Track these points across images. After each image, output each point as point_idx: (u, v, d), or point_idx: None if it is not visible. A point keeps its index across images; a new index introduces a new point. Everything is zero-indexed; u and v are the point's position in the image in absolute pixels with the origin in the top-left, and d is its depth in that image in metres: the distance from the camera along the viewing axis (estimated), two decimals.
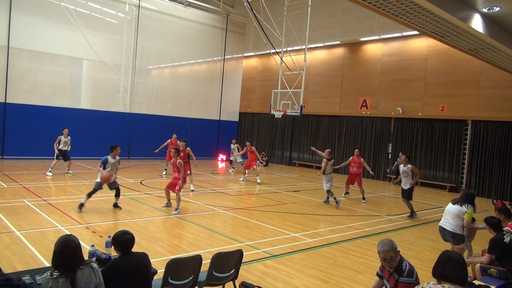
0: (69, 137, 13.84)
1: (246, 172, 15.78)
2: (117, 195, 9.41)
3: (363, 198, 13.09)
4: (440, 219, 6.92)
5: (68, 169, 14.12)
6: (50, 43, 17.27)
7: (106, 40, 18.88)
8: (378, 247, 3.88)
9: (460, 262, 3.17)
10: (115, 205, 9.41)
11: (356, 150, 13.73)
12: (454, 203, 6.58)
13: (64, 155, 13.80)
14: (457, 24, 8.11)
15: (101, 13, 18.91)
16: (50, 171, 13.48)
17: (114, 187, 9.39)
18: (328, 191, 11.95)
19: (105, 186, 9.21)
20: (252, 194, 13.23)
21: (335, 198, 11.71)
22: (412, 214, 10.93)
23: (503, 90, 16.04)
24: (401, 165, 10.98)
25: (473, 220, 6.56)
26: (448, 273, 3.10)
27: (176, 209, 9.42)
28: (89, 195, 8.97)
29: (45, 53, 17.33)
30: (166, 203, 9.97)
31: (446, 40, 9.52)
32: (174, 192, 9.56)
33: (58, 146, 13.63)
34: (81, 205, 8.87)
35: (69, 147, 13.89)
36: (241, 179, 15.62)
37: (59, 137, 13.72)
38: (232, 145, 18.70)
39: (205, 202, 11.08)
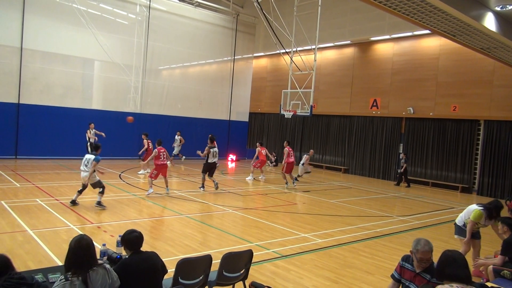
0: (94, 130, 16.24)
1: (262, 170, 16.24)
2: (102, 192, 9.32)
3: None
4: (452, 220, 6.90)
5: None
6: (62, 44, 17.48)
7: (117, 41, 19.05)
8: (417, 246, 3.79)
9: (464, 261, 3.17)
10: (99, 203, 9.22)
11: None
12: (481, 207, 6.34)
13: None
14: (469, 23, 8.02)
15: (112, 14, 19.07)
16: None
17: (101, 185, 9.37)
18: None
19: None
20: (261, 194, 13.23)
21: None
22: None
23: None
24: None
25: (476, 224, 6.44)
26: (457, 272, 3.08)
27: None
28: (80, 192, 9.27)
29: (57, 54, 17.55)
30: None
31: (458, 39, 9.42)
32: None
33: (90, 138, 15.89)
34: (73, 202, 9.20)
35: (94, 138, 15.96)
36: (260, 177, 16.03)
37: (88, 130, 16.03)
38: (176, 136, 18.76)
39: (215, 202, 11.11)
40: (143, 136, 15.85)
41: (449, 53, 17.55)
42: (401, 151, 19.22)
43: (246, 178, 15.84)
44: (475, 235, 6.51)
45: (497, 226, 6.11)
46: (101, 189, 9.29)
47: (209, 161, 12.31)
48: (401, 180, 18.03)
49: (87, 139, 16.10)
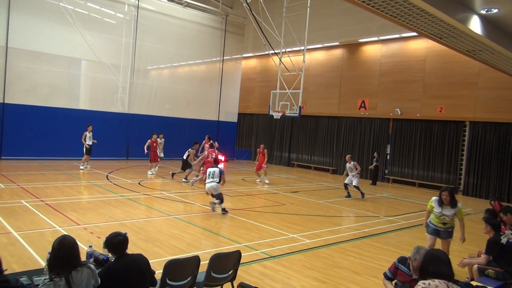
0: (91, 133, 15.71)
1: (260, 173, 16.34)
2: None
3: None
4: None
5: (87, 164, 15.78)
6: (48, 44, 17.24)
7: (104, 41, 18.86)
8: (416, 255, 3.85)
9: (448, 259, 3.23)
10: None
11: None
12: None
13: (90, 150, 15.63)
14: (455, 26, 8.13)
15: (100, 14, 18.89)
16: (83, 165, 15.54)
17: None
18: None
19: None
20: (250, 195, 13.22)
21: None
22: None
23: (501, 92, 16.08)
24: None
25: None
26: (440, 270, 3.13)
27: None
28: None
29: (43, 54, 17.30)
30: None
31: (444, 41, 9.54)
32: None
33: (86, 141, 15.51)
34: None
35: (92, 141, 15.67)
36: (258, 180, 16.19)
37: (85, 132, 15.57)
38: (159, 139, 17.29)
39: (203, 202, 11.07)
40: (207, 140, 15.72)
41: (436, 55, 17.78)
42: (388, 152, 19.42)
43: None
44: (441, 234, 6.44)
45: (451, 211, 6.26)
46: None
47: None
48: (376, 178, 18.29)
49: (83, 141, 15.57)
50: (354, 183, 13.58)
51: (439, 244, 6.42)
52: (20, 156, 16.60)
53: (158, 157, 16.03)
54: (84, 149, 15.58)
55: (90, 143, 15.59)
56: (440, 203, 6.29)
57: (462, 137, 17.34)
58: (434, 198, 6.38)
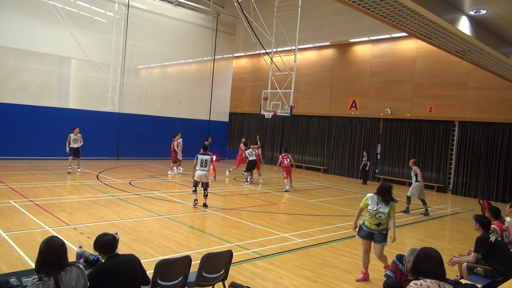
0: (79, 134, 14.39)
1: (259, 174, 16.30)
2: None
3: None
4: (428, 219, 6.97)
5: (79, 167, 14.66)
6: (37, 42, 17.04)
7: (94, 39, 18.70)
8: (410, 257, 3.92)
9: (440, 258, 3.23)
10: None
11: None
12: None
13: (76, 153, 14.37)
14: (444, 26, 8.20)
15: (90, 12, 18.72)
16: (70, 170, 14.27)
17: None
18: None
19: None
20: (241, 194, 13.22)
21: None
22: None
23: (490, 92, 16.28)
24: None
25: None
26: (432, 270, 3.14)
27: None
28: None
29: (32, 52, 17.10)
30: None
31: (434, 42, 9.62)
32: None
33: (69, 144, 14.23)
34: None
35: (81, 143, 14.46)
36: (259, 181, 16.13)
37: (69, 135, 14.30)
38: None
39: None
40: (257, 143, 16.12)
41: (426, 55, 17.94)
42: (378, 151, 19.56)
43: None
44: (376, 237, 5.91)
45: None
46: None
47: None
48: (366, 177, 18.41)
49: (68, 143, 14.22)
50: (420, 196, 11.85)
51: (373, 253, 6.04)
52: (9, 156, 16.38)
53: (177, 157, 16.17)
54: (69, 151, 14.26)
55: (75, 146, 14.24)
56: (377, 200, 5.82)
57: (451, 136, 17.52)
58: (369, 194, 5.92)
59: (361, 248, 6.17)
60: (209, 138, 15.74)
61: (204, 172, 10.22)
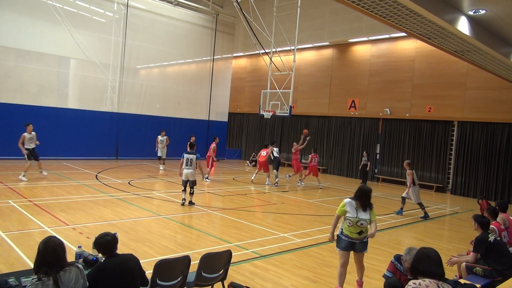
0: (33, 132, 12.43)
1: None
2: None
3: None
4: (426, 219, 6.92)
5: (41, 170, 12.78)
6: (36, 42, 17.02)
7: (94, 39, 18.69)
8: (406, 256, 3.93)
9: (438, 258, 3.23)
10: None
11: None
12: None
13: (33, 155, 12.41)
14: (443, 26, 8.21)
15: (89, 12, 18.71)
16: (24, 175, 12.13)
17: None
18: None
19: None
20: (241, 194, 13.22)
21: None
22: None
23: (489, 92, 16.29)
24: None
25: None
26: (431, 269, 3.15)
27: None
28: None
29: (31, 52, 17.08)
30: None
31: (433, 42, 9.63)
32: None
33: (24, 145, 12.15)
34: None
35: (35, 143, 12.50)
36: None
37: (23, 134, 12.24)
38: (160, 136, 17.54)
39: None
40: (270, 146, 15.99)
41: (425, 55, 17.96)
42: (378, 151, 19.57)
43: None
44: (357, 246, 5.30)
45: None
46: None
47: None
48: (366, 177, 18.37)
49: (21, 146, 12.20)
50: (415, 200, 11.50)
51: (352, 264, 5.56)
52: (8, 156, 16.36)
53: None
54: (25, 156, 12.26)
55: (31, 147, 12.31)
56: (356, 205, 5.22)
57: (450, 136, 17.53)
58: (346, 200, 5.29)
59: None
60: (216, 138, 16.30)
61: (190, 170, 10.36)
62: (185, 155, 10.50)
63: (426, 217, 11.35)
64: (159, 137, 17.45)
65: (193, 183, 10.47)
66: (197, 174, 11.02)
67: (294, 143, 16.63)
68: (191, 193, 10.48)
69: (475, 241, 5.52)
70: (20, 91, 16.96)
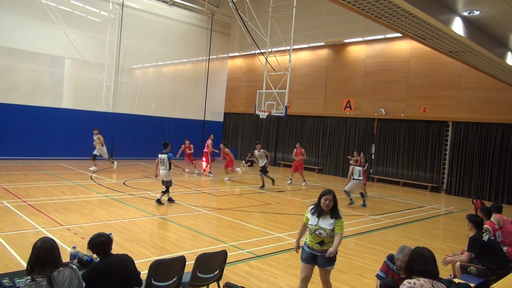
0: None
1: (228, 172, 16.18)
2: None
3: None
4: (422, 219, 6.96)
5: None
6: (30, 41, 16.90)
7: (88, 39, 18.60)
8: (399, 255, 3.94)
9: (433, 257, 3.25)
10: None
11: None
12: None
13: None
14: (438, 27, 8.25)
15: (84, 11, 18.62)
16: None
17: None
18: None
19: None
20: (236, 194, 13.21)
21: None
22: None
23: (483, 92, 16.39)
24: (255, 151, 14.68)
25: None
26: (425, 269, 3.16)
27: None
28: None
29: (25, 51, 16.96)
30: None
31: (427, 42, 9.67)
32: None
33: None
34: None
35: None
36: (226, 179, 15.93)
37: None
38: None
39: (189, 202, 11.02)
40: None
41: (420, 56, 18.04)
42: (373, 152, 19.64)
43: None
44: (319, 260, 4.69)
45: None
46: None
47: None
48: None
49: None
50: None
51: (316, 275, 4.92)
52: (1, 156, 16.25)
53: (193, 159, 16.94)
54: None
55: None
56: (317, 212, 4.64)
57: (445, 137, 17.62)
58: (310, 206, 4.79)
59: (354, 248, 6.12)
60: (210, 135, 17.06)
61: (162, 171, 10.40)
62: (159, 155, 10.52)
63: (351, 204, 12.54)
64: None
65: (167, 183, 10.40)
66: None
67: (298, 144, 16.92)
68: (163, 192, 10.42)
69: (469, 241, 5.55)
70: (14, 90, 16.84)
